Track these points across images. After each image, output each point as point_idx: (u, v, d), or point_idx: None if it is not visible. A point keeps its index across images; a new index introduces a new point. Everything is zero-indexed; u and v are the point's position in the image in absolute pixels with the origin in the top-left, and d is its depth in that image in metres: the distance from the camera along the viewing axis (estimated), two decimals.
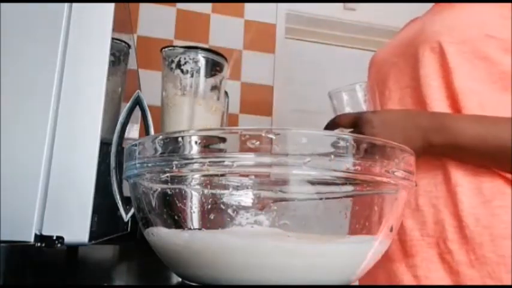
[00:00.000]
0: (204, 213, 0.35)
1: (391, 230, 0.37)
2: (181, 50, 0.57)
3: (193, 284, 0.35)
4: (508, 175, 0.55)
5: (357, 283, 0.40)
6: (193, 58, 0.57)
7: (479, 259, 0.53)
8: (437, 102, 0.58)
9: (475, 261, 0.53)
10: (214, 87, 0.59)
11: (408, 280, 0.57)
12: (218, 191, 0.35)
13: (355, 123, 0.57)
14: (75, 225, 0.34)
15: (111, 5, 0.39)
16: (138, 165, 0.35)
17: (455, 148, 0.54)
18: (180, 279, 0.37)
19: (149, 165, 0.34)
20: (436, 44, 0.59)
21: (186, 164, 0.32)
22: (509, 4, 0.58)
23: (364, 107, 0.63)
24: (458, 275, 0.54)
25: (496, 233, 0.53)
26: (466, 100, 0.56)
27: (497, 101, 0.56)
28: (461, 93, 0.57)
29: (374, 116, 0.56)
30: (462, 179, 0.56)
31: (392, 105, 0.64)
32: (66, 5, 0.38)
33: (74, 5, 0.38)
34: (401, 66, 0.65)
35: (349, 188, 0.36)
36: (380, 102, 0.65)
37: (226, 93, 0.70)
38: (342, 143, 0.32)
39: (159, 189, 0.35)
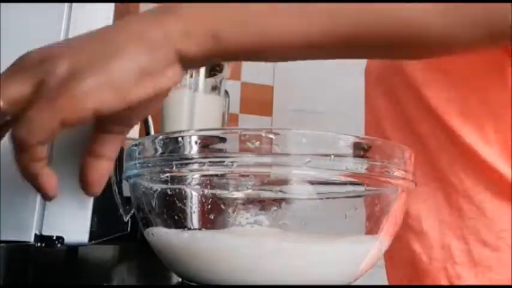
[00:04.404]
0: (204, 213, 0.35)
1: (391, 230, 0.37)
2: None
3: (193, 284, 0.35)
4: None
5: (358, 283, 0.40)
6: None
7: (488, 282, 0.52)
8: None
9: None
10: (214, 87, 0.59)
11: None
12: (218, 191, 0.35)
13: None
14: (75, 225, 0.34)
15: (111, 5, 0.39)
16: (138, 165, 0.35)
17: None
18: (180, 279, 0.37)
19: (149, 165, 0.34)
20: None
21: (186, 164, 0.32)
22: None
23: None
24: None
25: (503, 256, 0.52)
26: None
27: None
28: None
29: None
30: (463, 201, 0.55)
31: None
32: (66, 5, 0.37)
33: (74, 5, 0.38)
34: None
35: (349, 188, 0.36)
36: None
37: (226, 92, 0.70)
38: (342, 143, 0.32)
39: (159, 189, 0.35)
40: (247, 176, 0.34)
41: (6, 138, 0.34)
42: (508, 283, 0.51)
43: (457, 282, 0.54)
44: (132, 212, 0.41)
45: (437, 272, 0.55)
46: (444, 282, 0.55)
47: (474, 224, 0.54)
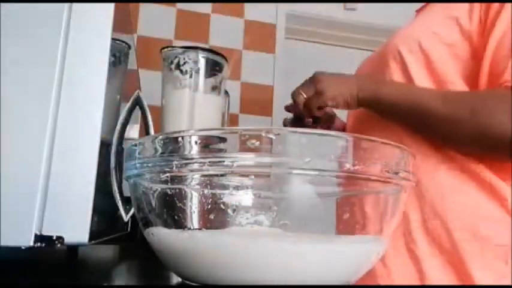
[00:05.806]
0: (204, 213, 0.35)
1: (390, 229, 0.37)
2: (181, 50, 0.57)
3: (193, 284, 0.35)
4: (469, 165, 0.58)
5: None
6: (193, 58, 0.57)
7: (439, 248, 0.58)
8: None
9: (436, 250, 0.58)
10: (214, 87, 0.59)
11: (379, 266, 0.62)
12: (218, 191, 0.35)
13: (308, 80, 0.67)
14: (75, 225, 0.34)
15: (111, 5, 0.39)
16: (138, 165, 0.35)
17: (376, 102, 0.61)
18: (180, 279, 0.37)
19: (149, 165, 0.34)
20: (397, 53, 0.65)
21: (186, 164, 0.32)
22: (452, 5, 0.63)
23: None
24: (421, 262, 0.59)
25: (451, 226, 0.57)
26: None
27: None
28: None
29: (321, 74, 0.66)
30: (422, 175, 0.59)
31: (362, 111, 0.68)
32: (66, 5, 0.37)
33: (74, 5, 0.38)
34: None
35: (349, 188, 0.36)
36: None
37: (227, 92, 0.70)
38: (341, 143, 0.32)
39: (159, 189, 0.35)
40: (247, 176, 0.34)
41: (5, 138, 0.34)
42: (453, 250, 0.57)
43: (412, 247, 0.60)
44: (132, 212, 0.41)
45: (398, 239, 0.60)
46: (403, 249, 0.60)
47: (430, 196, 0.59)
